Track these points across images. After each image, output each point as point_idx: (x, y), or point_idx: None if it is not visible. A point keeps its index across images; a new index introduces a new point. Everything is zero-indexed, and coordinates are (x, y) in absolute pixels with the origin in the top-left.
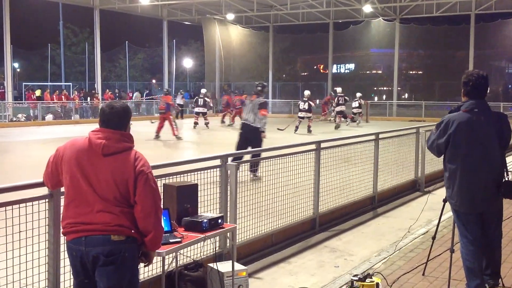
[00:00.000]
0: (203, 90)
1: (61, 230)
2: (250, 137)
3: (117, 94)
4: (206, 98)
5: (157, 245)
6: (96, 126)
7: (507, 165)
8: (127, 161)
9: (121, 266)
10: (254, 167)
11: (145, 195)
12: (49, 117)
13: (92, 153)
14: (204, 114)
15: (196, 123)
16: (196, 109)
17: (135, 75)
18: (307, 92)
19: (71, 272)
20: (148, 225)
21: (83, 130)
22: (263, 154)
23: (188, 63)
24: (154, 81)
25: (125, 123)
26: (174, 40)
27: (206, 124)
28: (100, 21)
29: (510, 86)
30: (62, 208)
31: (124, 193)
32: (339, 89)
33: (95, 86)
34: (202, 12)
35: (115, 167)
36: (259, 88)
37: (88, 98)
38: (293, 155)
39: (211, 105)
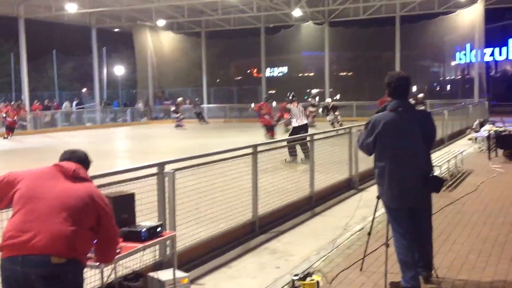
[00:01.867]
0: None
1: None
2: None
3: (46, 105)
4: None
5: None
6: (20, 137)
7: (432, 161)
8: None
9: None
10: None
11: None
12: None
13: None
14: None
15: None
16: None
17: (64, 85)
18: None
19: None
20: None
21: (10, 144)
22: (201, 160)
23: (119, 70)
24: (84, 89)
25: None
26: (104, 48)
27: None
28: (25, 31)
29: (434, 84)
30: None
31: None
32: (314, 91)
33: (22, 98)
34: (132, 19)
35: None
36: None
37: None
38: (231, 160)
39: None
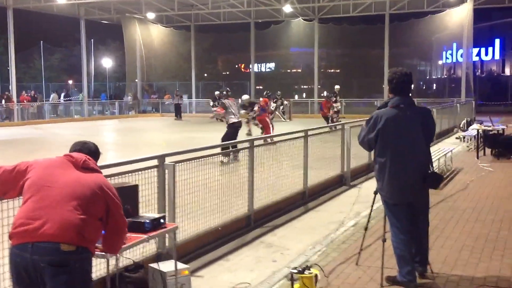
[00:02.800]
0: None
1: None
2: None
3: (34, 96)
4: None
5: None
6: (12, 129)
7: (431, 157)
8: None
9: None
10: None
11: None
12: None
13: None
14: None
15: None
16: None
17: (51, 76)
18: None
19: (12, 279)
20: None
21: None
22: (194, 154)
23: (107, 63)
24: (71, 81)
25: None
26: (92, 40)
27: None
28: (13, 21)
29: (420, 82)
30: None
31: None
32: (337, 87)
33: (10, 88)
34: (121, 11)
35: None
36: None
37: (3, 101)
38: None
39: None
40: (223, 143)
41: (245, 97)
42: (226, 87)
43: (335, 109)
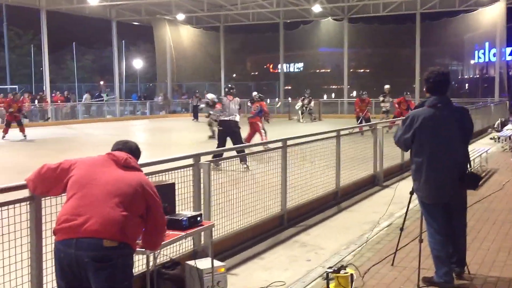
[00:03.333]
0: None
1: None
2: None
3: (67, 96)
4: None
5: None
6: (46, 129)
7: (469, 156)
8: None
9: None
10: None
11: None
12: None
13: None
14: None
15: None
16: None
17: (83, 77)
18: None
19: (56, 274)
20: None
21: (33, 134)
22: (231, 153)
23: (138, 64)
24: (102, 82)
25: None
26: (123, 41)
27: None
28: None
29: (453, 82)
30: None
31: None
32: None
33: (43, 89)
34: (151, 13)
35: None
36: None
37: (36, 101)
38: (261, 154)
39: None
40: (216, 149)
41: (210, 96)
42: (255, 88)
43: (384, 109)
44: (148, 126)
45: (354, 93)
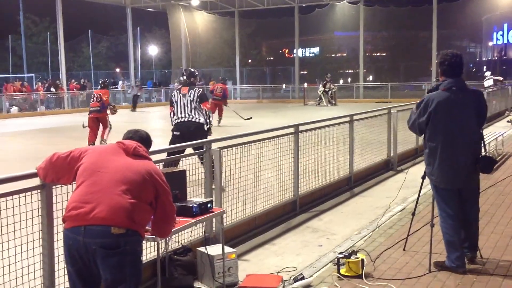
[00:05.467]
0: None
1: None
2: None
3: (83, 84)
4: None
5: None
6: (62, 116)
7: (484, 140)
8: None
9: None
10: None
11: None
12: (14, 109)
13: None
14: None
15: None
16: None
17: (99, 64)
18: None
19: (66, 261)
20: None
21: (49, 122)
22: (245, 139)
23: (153, 50)
24: (118, 69)
25: None
26: (138, 28)
27: None
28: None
29: (470, 65)
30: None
31: None
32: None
33: (60, 77)
34: None
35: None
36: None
37: (53, 89)
38: (273, 139)
39: None
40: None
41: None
42: (272, 73)
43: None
44: (164, 112)
45: (371, 78)
